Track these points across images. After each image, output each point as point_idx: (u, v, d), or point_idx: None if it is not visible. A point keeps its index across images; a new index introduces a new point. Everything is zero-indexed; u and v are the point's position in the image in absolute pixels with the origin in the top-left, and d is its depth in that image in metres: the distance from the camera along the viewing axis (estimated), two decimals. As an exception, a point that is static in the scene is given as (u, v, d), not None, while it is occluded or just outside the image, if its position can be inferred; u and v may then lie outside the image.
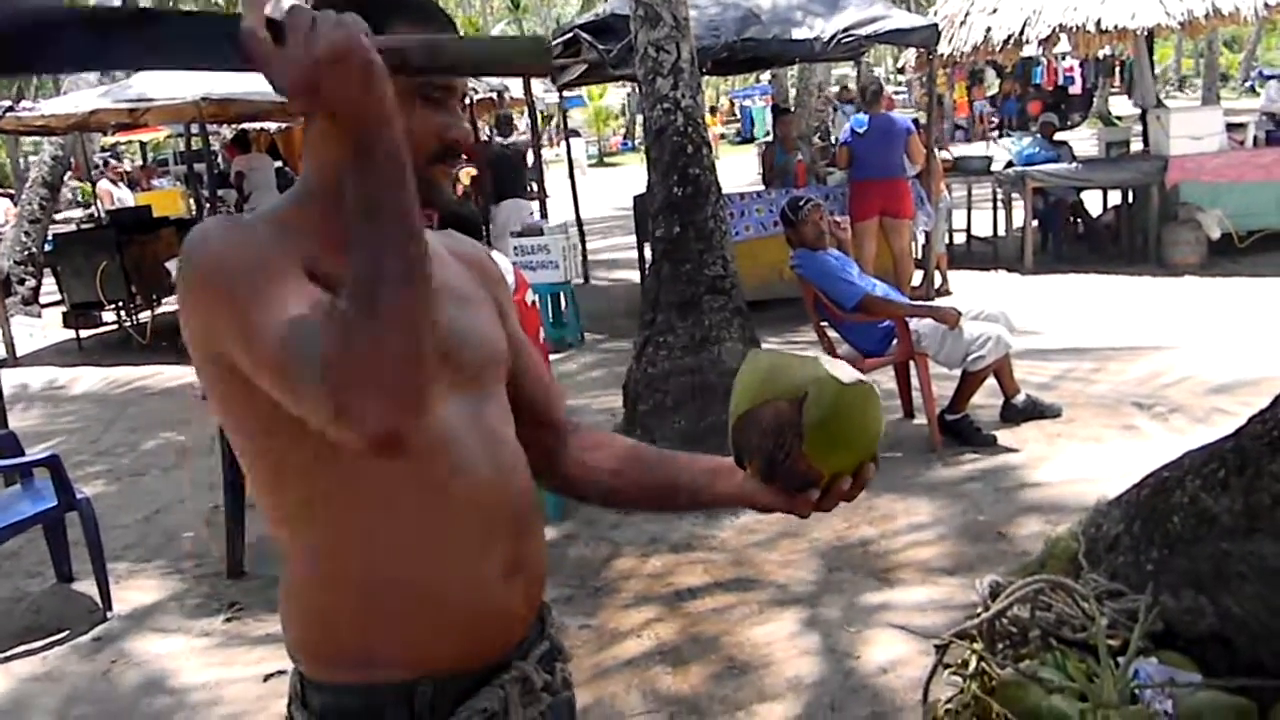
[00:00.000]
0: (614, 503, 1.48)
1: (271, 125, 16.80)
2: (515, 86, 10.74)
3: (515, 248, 7.88)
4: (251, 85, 8.68)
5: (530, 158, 11.06)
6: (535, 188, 11.18)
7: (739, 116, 31.45)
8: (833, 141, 13.66)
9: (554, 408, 1.47)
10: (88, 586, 4.26)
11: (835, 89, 14.04)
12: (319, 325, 1.01)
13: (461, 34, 1.20)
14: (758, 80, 31.22)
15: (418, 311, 0.99)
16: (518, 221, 9.84)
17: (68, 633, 3.99)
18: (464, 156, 1.29)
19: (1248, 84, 33.36)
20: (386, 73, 1.00)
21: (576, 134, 16.96)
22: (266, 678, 3.43)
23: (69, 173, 14.96)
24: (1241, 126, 9.31)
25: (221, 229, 1.17)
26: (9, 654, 3.85)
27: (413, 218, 1.01)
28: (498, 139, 10.92)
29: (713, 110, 32.40)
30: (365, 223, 1.00)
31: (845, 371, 1.16)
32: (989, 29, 9.90)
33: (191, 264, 1.13)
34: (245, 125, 16.31)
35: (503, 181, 10.54)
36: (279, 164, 16.06)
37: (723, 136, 28.98)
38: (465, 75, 1.17)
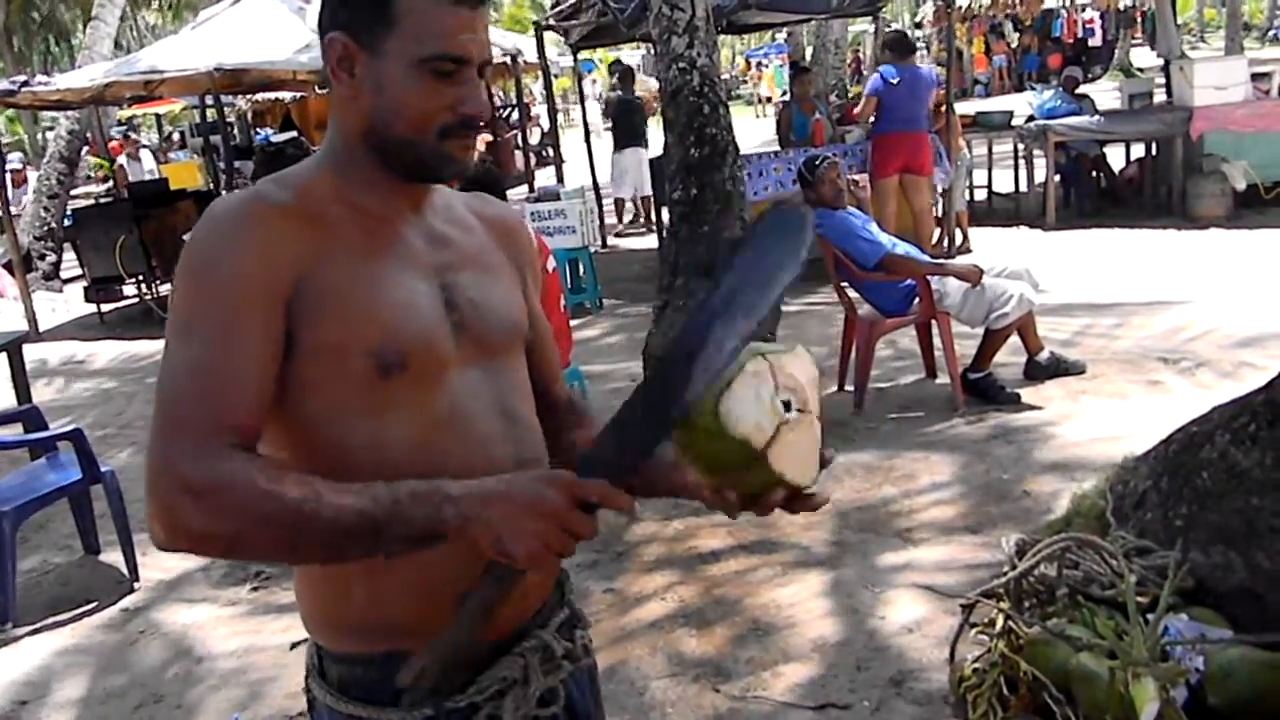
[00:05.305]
0: None
1: (286, 95, 16.78)
2: (529, 50, 10.66)
3: (532, 213, 7.84)
4: (263, 54, 8.66)
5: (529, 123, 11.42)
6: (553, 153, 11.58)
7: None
8: (850, 99, 13.47)
9: (553, 384, 1.46)
10: (114, 558, 4.30)
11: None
12: (222, 409, 1.08)
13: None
14: (774, 39, 30.86)
15: (276, 563, 1.11)
16: (637, 168, 10.48)
17: (96, 604, 4.03)
18: (482, 127, 1.26)
19: (1271, 33, 32.80)
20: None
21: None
22: (293, 646, 3.45)
23: (86, 148, 14.98)
24: (1266, 76, 9.14)
25: (233, 220, 1.16)
26: (38, 625, 3.89)
27: (367, 557, 1.11)
28: (618, 92, 11.41)
29: (758, 66, 31.93)
30: (347, 524, 1.06)
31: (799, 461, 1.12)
32: (1008, -19, 9.72)
33: (193, 245, 1.16)
34: (259, 95, 16.27)
35: (623, 131, 11.13)
36: (293, 134, 16.04)
37: (740, 96, 28.62)
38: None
